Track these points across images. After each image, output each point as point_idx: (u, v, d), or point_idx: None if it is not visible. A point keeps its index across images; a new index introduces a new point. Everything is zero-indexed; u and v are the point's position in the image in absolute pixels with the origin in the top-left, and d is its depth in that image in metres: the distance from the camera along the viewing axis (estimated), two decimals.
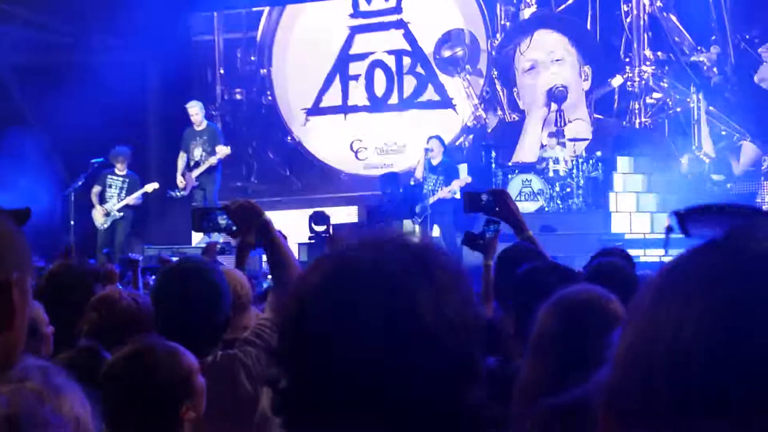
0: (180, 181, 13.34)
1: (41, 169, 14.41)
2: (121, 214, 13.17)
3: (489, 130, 15.27)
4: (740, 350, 0.72)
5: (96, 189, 13.18)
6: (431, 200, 13.00)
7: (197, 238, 13.06)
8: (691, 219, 1.04)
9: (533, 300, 2.68)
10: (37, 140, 15.03)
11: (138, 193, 13.16)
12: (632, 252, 6.10)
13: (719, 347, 0.72)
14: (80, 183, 13.18)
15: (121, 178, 13.21)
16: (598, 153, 13.45)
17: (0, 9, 15.08)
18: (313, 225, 13.21)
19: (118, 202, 13.15)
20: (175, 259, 6.73)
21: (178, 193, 13.38)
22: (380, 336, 1.15)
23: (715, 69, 13.48)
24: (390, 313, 1.16)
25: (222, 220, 3.81)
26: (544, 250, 4.06)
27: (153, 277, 6.91)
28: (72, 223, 12.95)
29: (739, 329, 0.72)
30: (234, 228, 3.60)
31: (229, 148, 13.10)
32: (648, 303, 0.79)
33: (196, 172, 13.14)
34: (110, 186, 13.20)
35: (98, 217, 13.17)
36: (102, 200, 13.19)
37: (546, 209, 13.11)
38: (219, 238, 10.34)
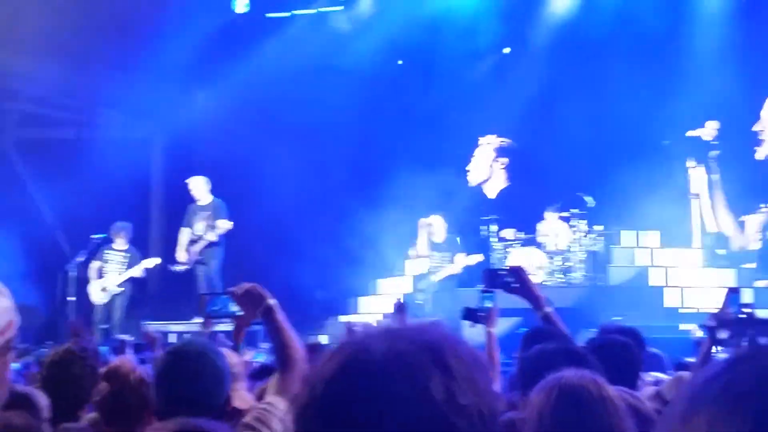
0: (182, 256, 13.22)
1: (43, 244, 14.41)
2: (121, 289, 13.00)
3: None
4: None
5: (95, 264, 13.02)
6: (438, 277, 12.81)
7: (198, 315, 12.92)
8: (722, 330, 1.10)
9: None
10: (39, 215, 15.10)
11: (139, 267, 13.02)
12: None
13: None
14: (81, 259, 12.98)
15: (121, 254, 13.07)
16: (600, 227, 13.46)
17: (2, 86, 15.17)
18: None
19: (118, 276, 13.00)
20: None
21: (179, 268, 13.22)
22: (394, 424, 1.16)
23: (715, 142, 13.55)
24: (403, 401, 1.17)
25: (227, 306, 3.84)
26: (563, 325, 4.08)
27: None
28: (74, 299, 12.80)
29: None
30: (240, 313, 3.62)
31: (231, 223, 12.87)
32: (678, 414, 0.82)
33: (196, 247, 13.05)
34: (109, 261, 13.05)
35: (96, 292, 13.00)
36: (101, 276, 13.02)
37: (547, 283, 13.07)
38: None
